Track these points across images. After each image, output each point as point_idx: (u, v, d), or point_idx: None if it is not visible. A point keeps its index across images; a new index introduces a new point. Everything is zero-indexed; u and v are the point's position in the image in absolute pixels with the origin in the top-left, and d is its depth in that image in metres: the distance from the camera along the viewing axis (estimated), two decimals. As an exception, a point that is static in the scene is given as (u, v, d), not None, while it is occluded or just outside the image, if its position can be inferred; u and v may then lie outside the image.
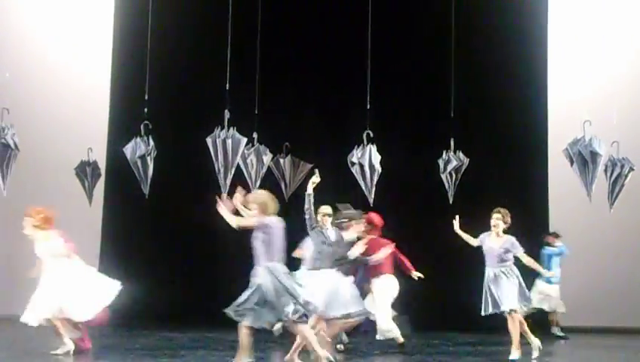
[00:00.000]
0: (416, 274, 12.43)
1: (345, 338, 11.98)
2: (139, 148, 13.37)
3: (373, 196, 12.92)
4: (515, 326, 11.18)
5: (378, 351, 11.81)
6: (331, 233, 11.18)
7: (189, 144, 15.24)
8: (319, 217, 11.20)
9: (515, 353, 11.21)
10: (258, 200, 9.96)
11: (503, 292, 11.16)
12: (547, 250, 14.94)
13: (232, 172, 12.69)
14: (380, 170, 13.05)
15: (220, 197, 10.07)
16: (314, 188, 10.82)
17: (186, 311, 15.98)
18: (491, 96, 16.06)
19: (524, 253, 11.34)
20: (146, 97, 13.45)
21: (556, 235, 15.06)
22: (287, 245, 15.80)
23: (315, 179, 11.04)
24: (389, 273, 12.18)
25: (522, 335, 11.40)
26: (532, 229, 16.05)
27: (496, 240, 11.33)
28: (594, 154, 12.31)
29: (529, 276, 12.62)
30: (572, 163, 12.69)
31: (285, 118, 15.87)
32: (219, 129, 12.53)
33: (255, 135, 13.44)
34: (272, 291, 9.60)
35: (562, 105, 15.91)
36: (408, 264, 12.48)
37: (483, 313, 11.33)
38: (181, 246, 16.45)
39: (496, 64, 16.06)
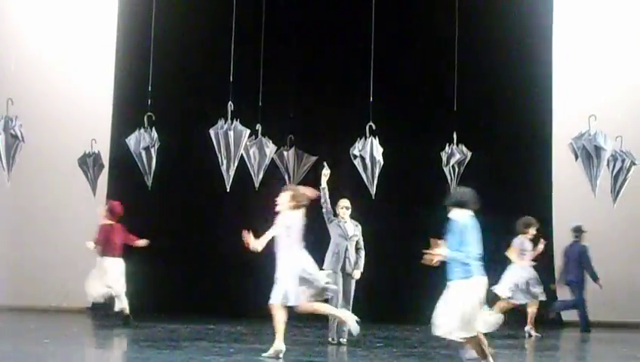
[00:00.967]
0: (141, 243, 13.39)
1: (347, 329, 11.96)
2: (143, 140, 13.38)
3: (375, 188, 12.91)
4: None
5: (382, 344, 11.80)
6: (349, 226, 11.20)
7: (192, 136, 15.26)
8: (338, 210, 11.23)
9: None
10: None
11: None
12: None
13: (236, 163, 12.70)
14: (382, 163, 13.02)
15: (247, 235, 10.06)
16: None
17: (189, 302, 16.00)
18: (495, 89, 16.01)
19: None
20: (150, 89, 13.44)
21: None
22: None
23: (326, 171, 11.09)
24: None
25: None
26: (536, 220, 16.07)
27: None
28: (598, 149, 12.29)
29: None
30: (577, 157, 12.67)
31: (289, 110, 15.85)
32: (222, 121, 12.53)
33: (259, 127, 13.43)
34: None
35: (567, 99, 15.87)
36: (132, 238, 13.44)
37: None
38: (184, 238, 16.46)
39: (500, 57, 16.00)
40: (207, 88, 15.35)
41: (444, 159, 13.99)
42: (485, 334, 8.51)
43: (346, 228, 11.23)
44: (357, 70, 14.31)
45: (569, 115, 15.05)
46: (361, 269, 11.32)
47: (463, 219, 8.48)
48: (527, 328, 13.57)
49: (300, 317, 14.42)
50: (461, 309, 8.25)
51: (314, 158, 14.98)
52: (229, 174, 12.68)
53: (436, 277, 15.07)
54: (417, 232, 15.77)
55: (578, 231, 14.58)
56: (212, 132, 12.53)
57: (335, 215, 11.29)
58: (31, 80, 16.15)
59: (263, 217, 16.06)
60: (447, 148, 13.96)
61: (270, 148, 13.59)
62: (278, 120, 14.88)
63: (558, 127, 15.75)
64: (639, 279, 15.74)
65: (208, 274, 16.17)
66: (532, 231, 13.55)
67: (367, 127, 12.75)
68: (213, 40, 15.61)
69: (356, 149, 12.92)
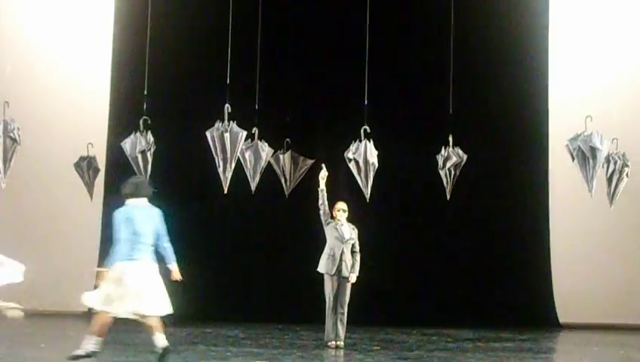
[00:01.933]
0: None
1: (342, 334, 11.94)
2: (139, 144, 13.36)
3: (369, 191, 12.90)
4: None
5: (378, 347, 11.79)
6: (345, 229, 11.19)
7: (189, 139, 15.25)
8: (334, 212, 11.23)
9: None
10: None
11: None
12: None
13: (233, 166, 12.68)
14: (377, 166, 13.01)
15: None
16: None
17: (185, 306, 15.96)
18: (491, 92, 16.04)
19: None
20: (145, 92, 13.44)
21: None
22: (286, 238, 16.02)
23: (324, 173, 11.09)
24: None
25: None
26: (532, 225, 16.10)
27: None
28: (594, 149, 12.27)
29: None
30: (573, 158, 12.66)
31: (285, 114, 15.85)
32: (219, 123, 12.52)
33: (255, 130, 13.42)
34: None
35: (563, 101, 15.88)
36: None
37: None
38: (180, 241, 16.40)
39: (496, 60, 16.04)
40: (204, 92, 15.36)
41: (440, 162, 13.98)
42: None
43: (343, 230, 11.22)
44: (353, 73, 14.32)
45: (565, 117, 15.08)
46: (357, 273, 11.31)
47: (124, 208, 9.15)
48: None
49: (295, 320, 14.49)
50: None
51: (310, 162, 14.97)
52: (225, 176, 12.66)
53: (432, 281, 15.18)
54: (413, 235, 15.90)
55: None
56: (208, 134, 12.51)
57: (332, 217, 11.29)
58: (27, 83, 16.13)
59: (259, 220, 16.20)
60: (443, 150, 13.96)
61: (266, 152, 13.58)
62: (275, 123, 14.87)
63: (554, 129, 15.77)
64: (637, 281, 15.76)
65: (205, 277, 16.14)
66: None
67: (362, 130, 12.75)
68: (209, 43, 15.59)
69: (350, 152, 12.91)
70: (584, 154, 12.37)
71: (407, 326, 14.43)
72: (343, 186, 13.57)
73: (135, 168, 13.39)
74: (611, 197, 13.14)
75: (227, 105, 12.41)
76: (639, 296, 15.73)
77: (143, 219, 9.11)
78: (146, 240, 9.15)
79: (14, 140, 12.96)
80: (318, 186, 11.17)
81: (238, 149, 12.64)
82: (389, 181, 14.57)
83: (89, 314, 16.02)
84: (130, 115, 14.64)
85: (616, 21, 15.96)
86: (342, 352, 11.09)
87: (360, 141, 12.83)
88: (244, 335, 12.93)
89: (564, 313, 15.62)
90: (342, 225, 11.23)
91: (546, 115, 16.10)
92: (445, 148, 13.93)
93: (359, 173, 12.90)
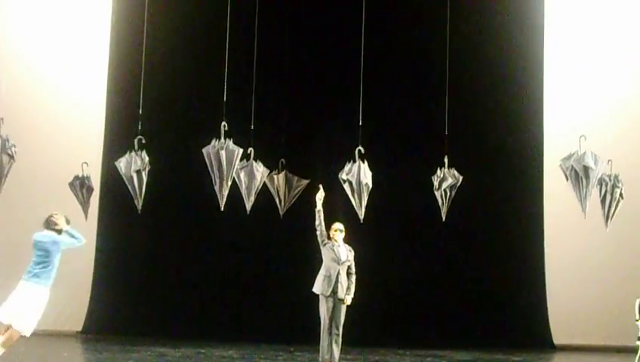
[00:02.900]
0: None
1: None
2: (134, 163, 13.35)
3: (363, 213, 12.88)
4: None
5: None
6: (342, 250, 11.17)
7: (184, 158, 15.29)
8: (331, 233, 11.21)
9: None
10: None
11: None
12: None
13: (229, 183, 12.63)
14: (371, 187, 12.98)
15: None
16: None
17: (179, 326, 15.95)
18: (486, 113, 16.05)
19: None
20: (140, 112, 13.44)
21: None
22: (281, 258, 16.00)
23: (321, 194, 11.08)
24: None
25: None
26: (527, 246, 16.09)
27: None
28: (587, 169, 12.25)
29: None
30: (567, 178, 12.66)
31: (281, 134, 15.86)
32: (215, 140, 12.50)
33: (251, 150, 13.42)
34: None
35: (558, 123, 15.89)
36: None
37: None
38: (176, 261, 16.44)
39: (491, 81, 16.08)
40: (199, 111, 15.40)
41: (436, 183, 13.95)
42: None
43: (339, 252, 11.19)
44: (348, 93, 14.32)
45: (560, 138, 15.07)
46: (352, 295, 11.28)
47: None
48: None
49: (290, 341, 14.46)
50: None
51: (305, 182, 14.97)
52: (222, 194, 12.63)
53: (427, 302, 15.16)
54: (408, 257, 15.89)
55: None
56: (205, 151, 12.50)
57: (329, 238, 11.27)
58: (22, 102, 16.14)
59: (254, 240, 16.19)
60: (438, 171, 13.94)
61: (261, 172, 13.55)
62: (270, 144, 14.87)
63: (549, 150, 15.77)
64: (632, 302, 15.73)
65: (199, 297, 16.14)
66: None
67: (356, 151, 12.74)
68: (204, 63, 15.68)
69: (344, 173, 12.89)
70: (577, 174, 12.35)
71: (402, 347, 14.40)
72: (338, 207, 13.55)
73: (130, 188, 13.37)
74: (606, 218, 13.12)
75: (224, 123, 12.40)
76: (634, 317, 15.70)
77: None
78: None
79: (11, 157, 12.99)
80: (315, 207, 11.16)
81: (234, 167, 12.61)
82: (385, 202, 14.56)
83: (82, 334, 16.11)
84: (125, 133, 14.65)
85: (611, 42, 16.00)
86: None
87: (354, 162, 12.82)
88: (237, 356, 12.90)
89: (559, 334, 15.58)
90: (338, 246, 11.21)
91: (542, 136, 16.11)
92: (441, 169, 13.92)
93: (353, 194, 12.88)
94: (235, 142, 12.77)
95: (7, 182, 13.27)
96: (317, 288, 11.19)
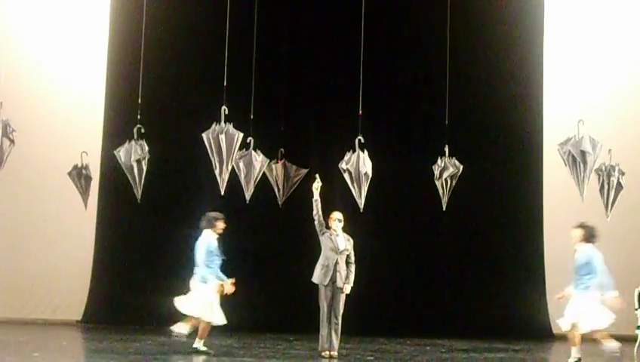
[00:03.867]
0: None
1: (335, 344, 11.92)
2: (133, 152, 13.33)
3: (363, 202, 12.88)
4: None
5: (372, 357, 11.78)
6: (341, 240, 11.16)
7: (184, 147, 15.28)
8: (330, 222, 11.20)
9: None
10: None
11: None
12: None
13: (230, 167, 12.60)
14: (371, 176, 12.97)
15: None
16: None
17: (179, 315, 15.92)
18: (486, 102, 16.05)
19: None
20: (140, 100, 13.42)
21: None
22: (280, 247, 16.00)
23: (317, 184, 11.07)
24: None
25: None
26: (526, 235, 16.10)
27: None
28: (584, 154, 12.23)
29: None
30: (566, 163, 12.63)
31: (280, 123, 15.84)
32: (215, 125, 12.47)
33: (250, 140, 13.40)
34: None
35: (558, 112, 15.88)
36: None
37: None
38: (175, 250, 16.41)
39: (491, 70, 16.08)
40: (199, 100, 15.35)
41: (437, 173, 13.96)
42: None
43: (338, 241, 11.19)
44: (348, 82, 14.31)
45: (560, 127, 15.06)
46: (352, 284, 11.29)
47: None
48: None
49: (289, 330, 14.47)
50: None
51: (304, 171, 14.97)
52: (222, 178, 12.61)
53: (426, 291, 15.17)
54: (408, 246, 15.89)
55: None
56: (205, 136, 12.47)
57: (327, 227, 11.27)
58: (21, 91, 16.08)
59: (253, 229, 16.18)
60: (439, 161, 13.94)
61: (260, 162, 13.53)
62: (269, 133, 14.86)
63: (548, 140, 15.75)
64: (630, 292, 15.74)
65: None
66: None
67: (356, 141, 12.72)
68: (204, 53, 15.65)
69: (344, 163, 12.88)
70: (575, 159, 12.33)
71: (401, 336, 14.42)
72: (338, 196, 13.55)
73: (129, 177, 13.36)
74: (606, 207, 13.10)
75: (224, 107, 12.37)
76: (633, 306, 15.72)
77: None
78: None
79: (12, 141, 12.97)
80: (313, 196, 11.16)
81: (234, 151, 12.55)
82: (385, 191, 14.56)
83: (82, 323, 16.12)
84: (124, 123, 14.62)
85: (611, 34, 15.99)
86: (336, 362, 11.09)
87: (354, 151, 12.81)
88: (237, 345, 12.91)
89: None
90: (337, 235, 11.21)
91: (541, 126, 16.11)
92: (441, 158, 13.92)
93: (353, 184, 12.87)
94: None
95: (6, 171, 13.22)
96: (316, 278, 11.21)
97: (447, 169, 13.87)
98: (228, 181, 12.66)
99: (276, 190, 14.88)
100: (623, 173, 12.96)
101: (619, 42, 16.03)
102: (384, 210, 15.10)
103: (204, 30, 15.75)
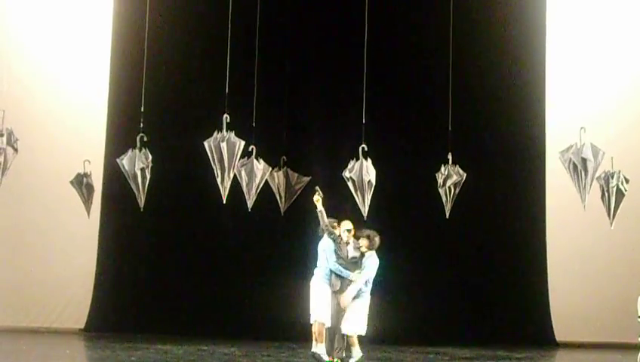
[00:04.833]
0: None
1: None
2: (137, 161, 13.32)
3: (367, 210, 12.87)
4: None
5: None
6: (350, 249, 11.15)
7: (186, 156, 15.29)
8: (340, 232, 11.19)
9: None
10: None
11: None
12: None
13: (231, 175, 12.58)
14: (374, 184, 12.96)
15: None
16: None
17: (182, 323, 15.94)
18: (489, 110, 16.04)
19: None
20: (142, 109, 13.42)
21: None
22: (282, 255, 15.98)
23: (318, 196, 11.04)
24: None
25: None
26: (529, 243, 16.08)
27: None
28: (585, 161, 12.22)
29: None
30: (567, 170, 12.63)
31: (283, 131, 15.85)
32: (217, 133, 12.46)
33: (252, 148, 13.40)
34: None
35: (560, 119, 15.86)
36: None
37: None
38: (178, 258, 16.42)
39: (494, 77, 16.06)
40: (201, 109, 15.36)
41: (440, 181, 13.93)
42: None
43: (348, 250, 11.19)
44: (351, 90, 14.33)
45: (563, 135, 15.05)
46: (349, 297, 11.19)
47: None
48: None
49: (292, 338, 14.44)
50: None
51: (307, 179, 14.96)
52: (224, 186, 12.59)
53: (430, 299, 15.15)
54: (411, 253, 15.87)
55: None
56: (206, 144, 12.46)
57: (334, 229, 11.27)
58: (24, 99, 16.11)
59: (255, 237, 16.18)
60: (442, 169, 13.92)
61: (262, 170, 13.50)
62: (272, 141, 14.86)
63: (551, 144, 15.69)
64: (634, 299, 15.74)
65: (202, 294, 16.12)
66: None
67: (360, 149, 12.71)
68: (206, 61, 15.66)
69: (347, 171, 12.87)
70: (576, 166, 12.33)
71: (404, 344, 14.40)
72: (343, 204, 13.56)
73: (133, 185, 13.34)
74: (609, 214, 13.07)
75: (225, 115, 12.37)
76: (636, 314, 15.70)
77: None
78: None
79: (15, 150, 13.01)
80: (316, 208, 11.16)
81: (236, 159, 12.54)
82: (388, 199, 14.56)
83: (85, 331, 16.11)
84: (127, 131, 14.62)
85: (613, 41, 15.97)
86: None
87: (357, 160, 12.80)
88: (240, 353, 12.90)
89: (561, 331, 15.58)
90: (346, 244, 11.20)
91: (544, 132, 16.09)
92: (445, 166, 13.91)
93: (356, 192, 12.87)
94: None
95: (9, 179, 13.24)
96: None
97: (450, 177, 13.85)
98: (230, 189, 12.64)
99: (278, 198, 14.87)
100: (627, 180, 12.92)
101: (622, 49, 16.00)
102: (388, 218, 15.07)
103: (206, 38, 15.77)
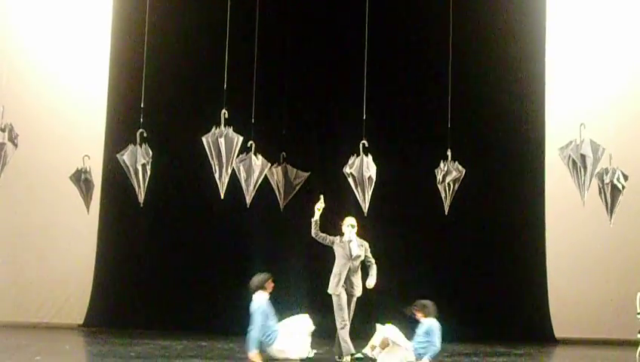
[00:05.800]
0: None
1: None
2: (138, 156, 13.32)
3: (367, 206, 12.88)
4: None
5: (375, 360, 11.76)
6: (354, 246, 11.14)
7: (185, 152, 15.28)
8: (343, 228, 11.19)
9: None
10: None
11: None
12: None
13: (229, 171, 12.61)
14: (375, 180, 12.96)
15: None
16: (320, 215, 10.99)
17: (182, 319, 15.95)
18: (489, 106, 16.04)
19: None
20: (142, 105, 13.42)
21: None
22: (281, 251, 15.98)
23: (320, 205, 11.04)
24: None
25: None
26: (528, 239, 16.09)
27: None
28: (584, 157, 12.22)
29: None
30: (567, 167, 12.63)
31: (282, 127, 15.84)
32: (215, 128, 12.47)
33: (251, 144, 13.39)
34: None
35: (560, 115, 15.87)
36: None
37: None
38: (177, 254, 16.43)
39: (493, 74, 16.06)
40: (201, 104, 15.34)
41: (439, 177, 13.93)
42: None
43: (351, 247, 11.19)
44: (351, 86, 14.32)
45: (562, 131, 15.05)
46: (375, 279, 11.44)
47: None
48: None
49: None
50: None
51: (306, 175, 14.97)
52: (222, 181, 12.61)
53: (429, 295, 15.10)
54: (410, 249, 15.87)
55: None
56: (204, 139, 12.47)
57: (341, 234, 11.30)
58: (23, 94, 16.12)
59: (254, 233, 16.18)
60: (442, 165, 13.92)
61: (261, 166, 13.49)
62: (271, 137, 14.85)
63: (550, 140, 15.72)
64: (633, 295, 15.76)
65: (201, 290, 16.12)
66: None
67: (361, 145, 12.72)
68: (205, 57, 15.64)
69: (348, 167, 12.87)
70: (575, 163, 12.33)
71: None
72: (343, 200, 13.56)
73: (133, 181, 13.34)
74: (608, 211, 13.06)
75: (224, 110, 12.38)
76: (635, 311, 15.72)
77: None
78: None
79: (15, 146, 13.02)
80: (313, 216, 11.17)
81: (234, 154, 12.55)
82: (388, 195, 14.55)
83: (84, 327, 16.12)
84: (127, 126, 14.63)
85: (613, 38, 15.97)
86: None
87: (358, 155, 12.81)
88: (239, 349, 12.89)
89: (561, 327, 15.59)
90: (350, 241, 11.19)
91: (543, 128, 16.09)
92: (444, 162, 13.90)
93: (357, 188, 12.87)
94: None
95: (8, 175, 13.24)
96: (330, 288, 11.27)
97: (449, 173, 13.84)
98: (229, 185, 12.65)
99: (277, 194, 14.87)
100: (626, 177, 12.91)
101: (622, 46, 16.01)
102: (388, 214, 15.08)
103: (205, 33, 15.76)
